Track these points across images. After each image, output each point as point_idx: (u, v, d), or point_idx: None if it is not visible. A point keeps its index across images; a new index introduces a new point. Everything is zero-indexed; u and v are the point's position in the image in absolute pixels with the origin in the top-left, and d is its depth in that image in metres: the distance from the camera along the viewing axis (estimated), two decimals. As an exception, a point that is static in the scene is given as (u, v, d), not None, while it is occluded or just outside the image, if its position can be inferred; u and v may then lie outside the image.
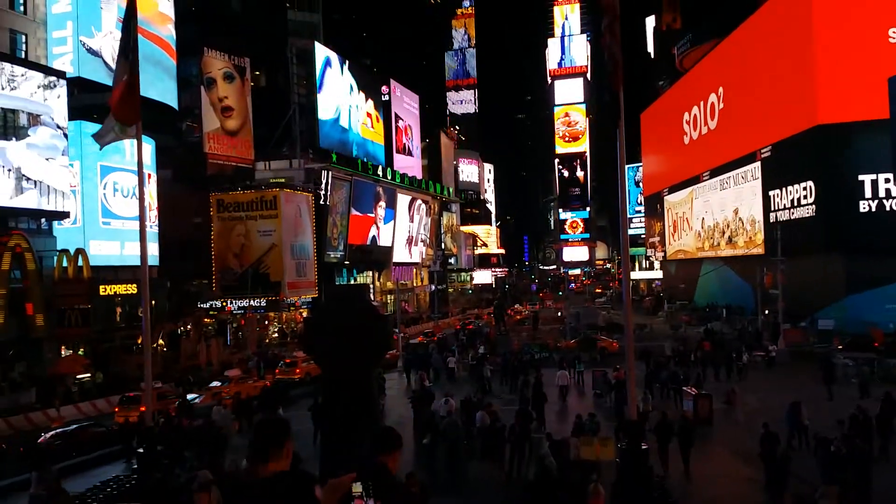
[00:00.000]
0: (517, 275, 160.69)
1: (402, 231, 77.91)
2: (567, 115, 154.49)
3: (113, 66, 31.71)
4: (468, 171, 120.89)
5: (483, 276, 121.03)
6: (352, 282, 65.26)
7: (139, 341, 37.17)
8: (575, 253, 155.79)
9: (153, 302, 39.26)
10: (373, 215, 69.12)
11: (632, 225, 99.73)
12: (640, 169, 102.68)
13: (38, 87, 35.95)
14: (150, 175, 42.30)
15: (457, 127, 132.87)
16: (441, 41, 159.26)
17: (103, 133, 15.53)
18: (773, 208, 55.75)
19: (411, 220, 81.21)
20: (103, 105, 24.87)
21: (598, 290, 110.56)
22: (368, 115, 76.21)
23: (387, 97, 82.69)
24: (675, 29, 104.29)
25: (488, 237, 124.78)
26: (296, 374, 35.72)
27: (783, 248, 43.69)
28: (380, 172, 70.26)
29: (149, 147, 41.94)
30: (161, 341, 44.08)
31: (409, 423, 22.74)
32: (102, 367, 37.75)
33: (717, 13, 75.39)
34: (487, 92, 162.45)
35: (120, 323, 41.94)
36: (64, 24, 41.28)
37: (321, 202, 57.95)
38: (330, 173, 59.25)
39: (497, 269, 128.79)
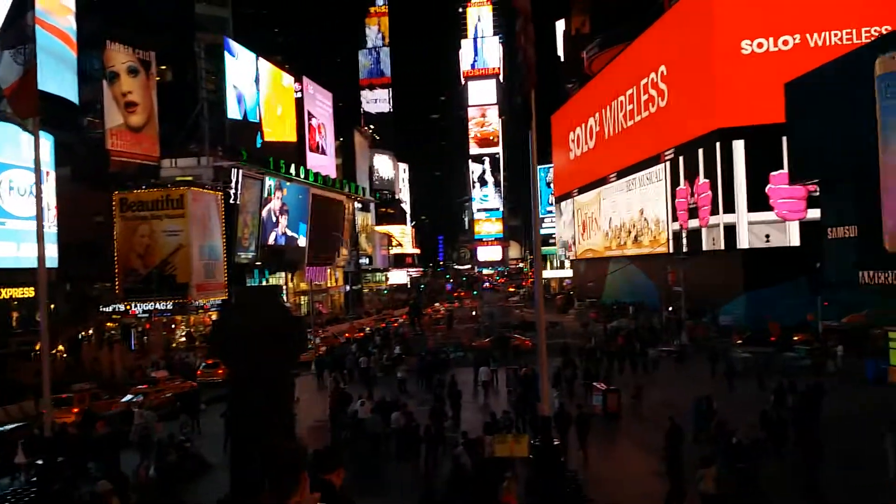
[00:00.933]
0: (432, 274, 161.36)
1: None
2: (481, 115, 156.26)
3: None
4: (383, 170, 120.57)
5: (398, 276, 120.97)
6: (264, 283, 63.96)
7: (37, 347, 35.32)
8: (489, 252, 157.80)
9: (52, 306, 37.53)
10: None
11: (544, 225, 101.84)
12: (552, 170, 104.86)
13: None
14: (48, 172, 40.22)
15: (371, 126, 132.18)
16: (355, 39, 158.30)
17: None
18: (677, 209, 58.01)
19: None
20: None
21: (511, 289, 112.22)
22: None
23: (299, 94, 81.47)
24: (585, 33, 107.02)
25: (403, 237, 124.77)
26: (218, 374, 34.84)
27: (686, 246, 45.50)
28: (292, 171, 69.16)
29: (47, 143, 39.91)
30: (61, 347, 42.05)
31: (325, 425, 22.52)
32: (-4, 374, 35.74)
33: (624, 19, 77.87)
34: (402, 91, 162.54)
35: (16, 328, 39.95)
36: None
37: (231, 201, 56.55)
38: (240, 171, 57.88)
39: (412, 269, 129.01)
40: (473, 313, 65.67)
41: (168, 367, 38.29)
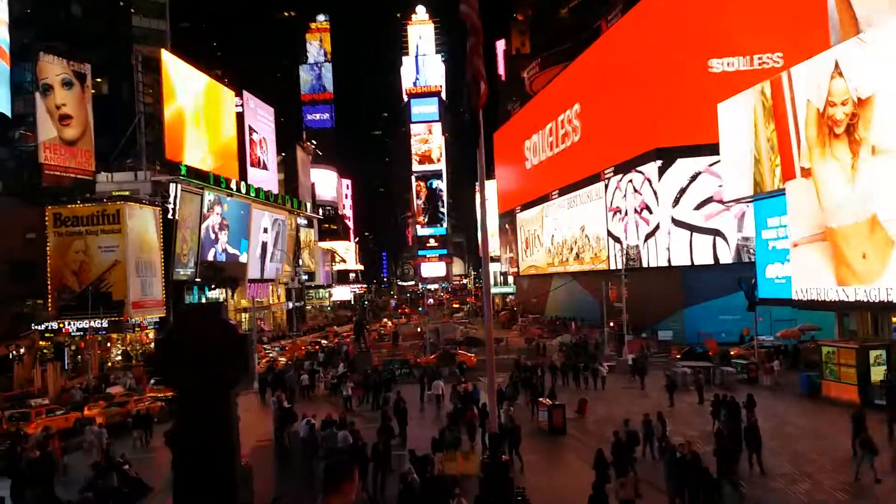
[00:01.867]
0: (376, 291, 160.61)
1: (256, 247, 75.81)
2: (427, 132, 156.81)
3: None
4: (326, 185, 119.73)
5: (342, 293, 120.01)
6: (203, 300, 62.58)
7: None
8: (433, 269, 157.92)
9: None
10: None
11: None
12: (495, 187, 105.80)
13: None
14: (-25, 187, 38.77)
15: (314, 141, 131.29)
16: (296, 54, 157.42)
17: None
18: (616, 228, 59.16)
19: (266, 234, 79.20)
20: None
21: (455, 305, 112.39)
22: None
23: (240, 109, 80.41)
24: (525, 53, 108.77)
25: (347, 253, 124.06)
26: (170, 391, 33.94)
27: (626, 263, 46.42)
28: (233, 186, 68.10)
29: (-25, 156, 38.49)
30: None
31: (269, 445, 22.12)
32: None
33: (562, 40, 79.48)
34: (345, 107, 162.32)
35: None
36: None
37: (169, 216, 55.32)
38: (179, 186, 56.71)
39: (356, 286, 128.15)
40: (419, 330, 65.47)
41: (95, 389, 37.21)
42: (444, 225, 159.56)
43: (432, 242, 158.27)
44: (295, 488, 18.51)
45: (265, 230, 78.29)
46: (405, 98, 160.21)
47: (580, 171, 66.82)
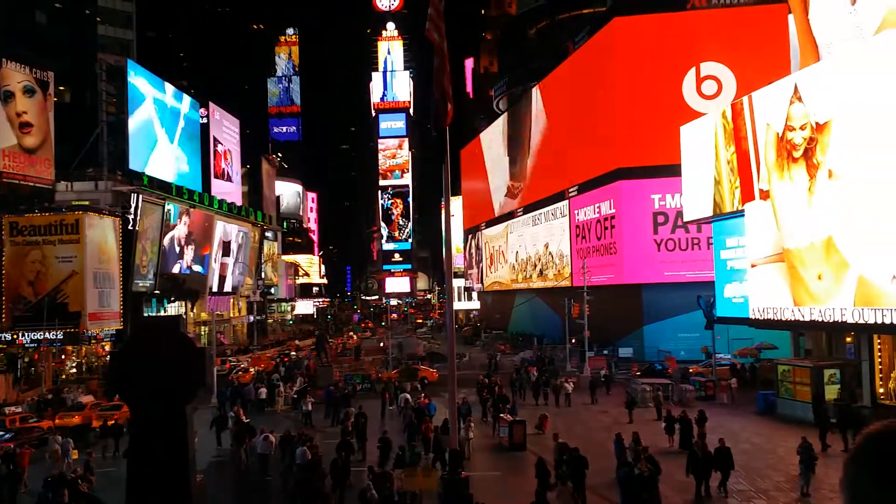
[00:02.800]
0: (339, 305, 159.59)
1: (217, 259, 74.93)
2: (393, 147, 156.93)
3: None
4: (291, 198, 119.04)
5: (304, 307, 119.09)
6: (162, 312, 61.61)
7: None
8: (397, 284, 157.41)
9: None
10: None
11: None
12: (461, 203, 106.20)
13: None
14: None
15: (279, 154, 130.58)
16: (264, 67, 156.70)
17: None
18: (579, 244, 59.78)
19: (228, 247, 78.36)
20: None
21: (419, 321, 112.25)
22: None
23: (205, 120, 79.70)
24: (493, 72, 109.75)
25: (311, 266, 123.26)
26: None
27: (588, 280, 46.92)
28: (196, 197, 67.34)
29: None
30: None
31: (226, 460, 21.81)
32: None
33: (529, 60, 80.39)
34: (312, 120, 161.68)
35: None
36: None
37: (130, 227, 54.47)
38: (140, 196, 55.91)
39: (319, 300, 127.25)
40: (381, 344, 65.24)
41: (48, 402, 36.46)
42: (410, 240, 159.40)
43: (397, 257, 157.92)
44: (252, 503, 18.28)
45: (227, 242, 77.47)
46: (373, 112, 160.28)
47: (545, 189, 67.50)
